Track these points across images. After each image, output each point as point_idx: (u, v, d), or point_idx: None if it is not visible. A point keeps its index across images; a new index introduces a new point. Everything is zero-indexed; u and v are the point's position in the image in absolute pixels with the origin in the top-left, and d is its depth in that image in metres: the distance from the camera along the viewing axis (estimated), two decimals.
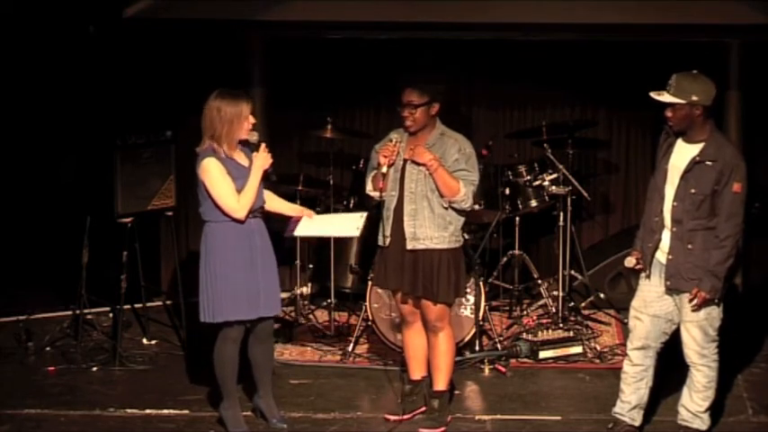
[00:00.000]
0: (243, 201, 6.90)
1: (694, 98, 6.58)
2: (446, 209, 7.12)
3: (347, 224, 7.36)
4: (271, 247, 7.09)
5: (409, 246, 7.14)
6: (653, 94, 6.68)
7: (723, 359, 6.90)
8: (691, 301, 6.67)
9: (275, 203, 7.23)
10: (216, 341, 7.05)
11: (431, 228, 7.13)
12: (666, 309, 6.82)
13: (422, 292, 7.16)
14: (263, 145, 7.00)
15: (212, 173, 6.85)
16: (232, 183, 6.87)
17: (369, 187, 7.30)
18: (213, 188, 6.86)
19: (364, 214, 7.37)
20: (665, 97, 6.64)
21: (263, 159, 6.97)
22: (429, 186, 7.11)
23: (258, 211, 7.02)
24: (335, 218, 7.19)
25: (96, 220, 8.63)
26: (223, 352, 7.03)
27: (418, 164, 7.10)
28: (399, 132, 7.21)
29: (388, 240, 7.20)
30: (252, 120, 6.95)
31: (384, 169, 7.10)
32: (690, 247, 6.64)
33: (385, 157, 7.11)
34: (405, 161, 7.16)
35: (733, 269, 6.74)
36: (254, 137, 6.99)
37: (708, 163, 6.60)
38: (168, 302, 9.38)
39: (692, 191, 6.62)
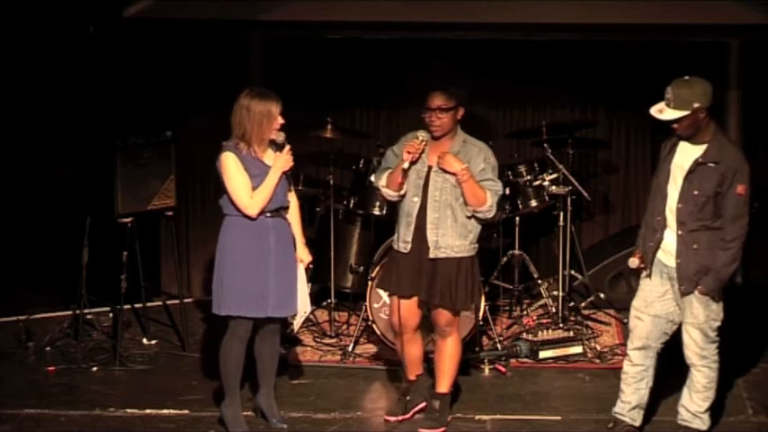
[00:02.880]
0: (256, 198, 6.91)
1: (696, 105, 6.56)
2: (469, 218, 7.11)
3: (300, 306, 7.27)
4: (290, 249, 7.07)
5: (431, 254, 7.11)
6: (654, 113, 6.62)
7: (723, 359, 6.91)
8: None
9: (293, 221, 7.18)
10: (224, 337, 7.05)
11: (452, 237, 7.10)
12: (667, 309, 6.83)
13: (439, 300, 7.14)
14: (287, 147, 7.02)
15: (228, 167, 6.88)
16: (247, 179, 6.89)
17: (381, 183, 7.19)
18: (227, 182, 6.90)
19: (307, 312, 7.34)
20: (668, 113, 6.59)
21: (283, 161, 6.99)
22: (453, 195, 7.08)
23: (280, 211, 7.02)
24: (301, 290, 7.19)
25: (96, 220, 8.62)
26: (229, 349, 7.03)
27: (447, 172, 7.05)
28: (425, 133, 7.16)
29: (408, 247, 7.16)
30: (280, 120, 6.96)
31: (406, 165, 7.07)
32: (695, 247, 6.64)
33: (409, 153, 7.05)
34: (429, 168, 7.13)
35: (736, 271, 6.74)
36: (280, 137, 7.01)
37: (711, 165, 6.60)
38: (168, 302, 9.38)
39: (695, 192, 6.62)
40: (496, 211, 7.17)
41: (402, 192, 7.15)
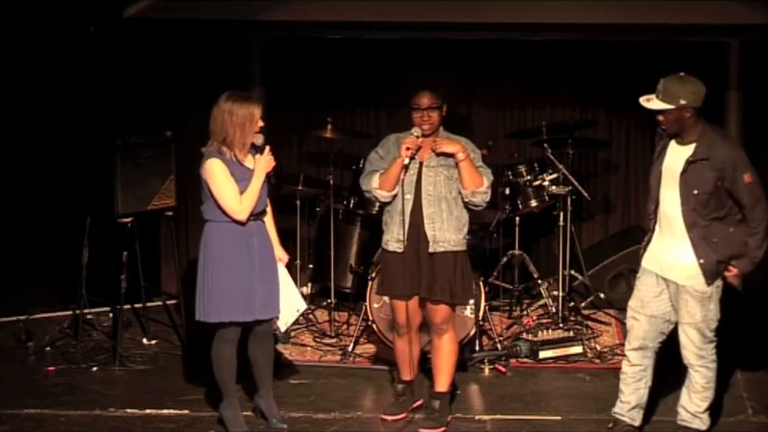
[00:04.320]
0: (245, 203, 6.90)
1: (682, 102, 6.59)
2: (466, 203, 7.12)
3: (285, 312, 7.22)
4: (271, 251, 7.08)
5: (431, 249, 7.13)
6: (642, 101, 6.69)
7: (723, 359, 6.91)
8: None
9: (267, 221, 7.17)
10: (213, 341, 7.06)
11: (449, 230, 7.14)
12: (664, 309, 6.83)
13: (439, 295, 7.15)
14: (267, 148, 7.01)
15: (215, 174, 6.86)
16: (235, 184, 6.87)
17: (374, 185, 7.21)
18: (216, 189, 6.87)
19: (301, 310, 7.32)
20: (654, 104, 6.65)
21: (265, 162, 6.98)
22: (447, 188, 7.13)
23: (260, 214, 7.02)
24: (285, 293, 7.15)
25: (96, 220, 8.63)
26: (220, 352, 7.03)
27: (447, 155, 7.08)
28: (419, 130, 7.18)
29: (403, 246, 7.17)
30: (261, 123, 6.95)
31: (407, 161, 7.09)
32: (715, 240, 6.66)
33: (408, 149, 7.09)
34: (420, 164, 7.16)
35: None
36: (259, 140, 6.99)
37: (702, 162, 6.61)
38: (168, 302, 9.38)
39: (695, 192, 6.63)
40: (490, 198, 7.21)
41: (394, 192, 7.17)
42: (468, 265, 7.28)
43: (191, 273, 9.91)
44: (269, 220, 7.18)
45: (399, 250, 7.19)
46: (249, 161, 6.99)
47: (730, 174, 6.59)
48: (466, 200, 7.15)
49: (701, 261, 6.69)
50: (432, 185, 7.15)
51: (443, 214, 7.14)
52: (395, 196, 7.19)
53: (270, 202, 7.19)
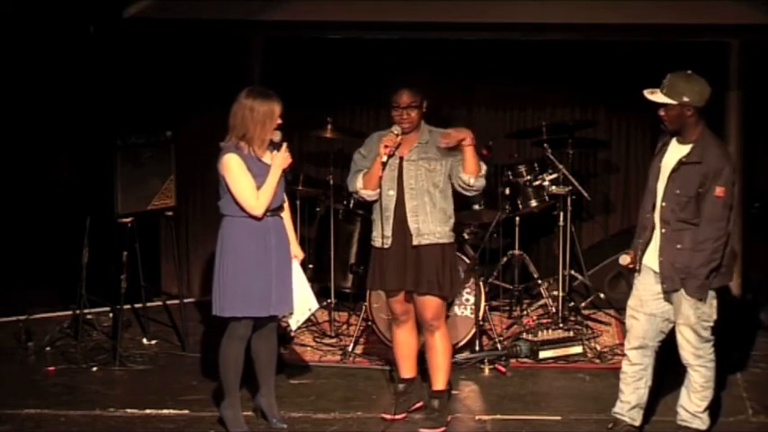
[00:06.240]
0: (261, 198, 6.93)
1: (686, 99, 6.59)
2: (468, 187, 7.14)
3: (298, 311, 7.22)
4: (287, 247, 7.11)
5: (415, 242, 7.15)
6: (646, 93, 6.70)
7: (722, 359, 6.91)
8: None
9: (285, 217, 7.21)
10: (222, 337, 7.05)
11: (433, 223, 7.16)
12: (663, 307, 6.82)
13: (426, 288, 7.17)
14: (284, 145, 7.04)
15: (233, 169, 6.88)
16: (252, 179, 6.90)
17: (359, 185, 7.27)
18: (233, 184, 6.89)
19: (313, 309, 7.31)
20: (657, 96, 6.66)
21: (282, 159, 7.01)
22: (430, 181, 7.16)
23: (277, 210, 7.04)
24: (298, 291, 7.15)
25: (96, 220, 8.63)
26: (229, 349, 7.03)
27: (451, 149, 7.11)
28: (398, 128, 7.22)
29: (389, 241, 7.20)
30: (279, 120, 6.97)
31: (385, 158, 7.12)
32: (679, 247, 6.64)
33: (386, 146, 7.13)
34: (401, 159, 7.18)
35: (720, 270, 6.68)
36: (277, 136, 7.03)
37: (693, 164, 6.61)
38: (168, 302, 9.38)
39: (677, 192, 6.63)
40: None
41: (379, 190, 7.19)
42: (455, 260, 7.30)
43: (191, 273, 9.96)
44: (286, 216, 7.20)
45: (384, 246, 7.22)
46: (267, 157, 7.02)
47: (710, 181, 6.57)
48: (470, 184, 7.15)
49: (661, 259, 6.68)
50: (413, 179, 7.18)
51: (427, 207, 7.17)
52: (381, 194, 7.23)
53: (288, 198, 7.21)
